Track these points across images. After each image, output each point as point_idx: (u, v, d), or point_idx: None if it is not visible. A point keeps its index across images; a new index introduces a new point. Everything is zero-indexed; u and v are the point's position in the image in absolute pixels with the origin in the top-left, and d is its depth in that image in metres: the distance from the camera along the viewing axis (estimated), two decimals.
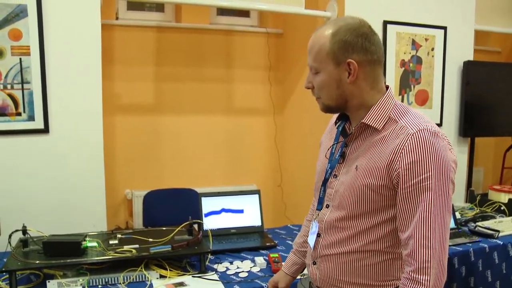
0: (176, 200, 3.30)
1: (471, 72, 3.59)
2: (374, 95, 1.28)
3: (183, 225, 2.30)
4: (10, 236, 2.13)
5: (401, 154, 1.18)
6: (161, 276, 2.07)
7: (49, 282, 1.95)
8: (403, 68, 3.44)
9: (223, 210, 2.65)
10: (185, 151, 3.76)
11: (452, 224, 2.81)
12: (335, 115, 1.46)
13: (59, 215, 2.67)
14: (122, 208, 3.67)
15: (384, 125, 1.25)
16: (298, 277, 1.74)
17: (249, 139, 3.97)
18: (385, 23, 3.31)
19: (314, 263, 1.42)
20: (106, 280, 1.99)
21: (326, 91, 1.29)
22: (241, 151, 3.97)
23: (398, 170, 1.18)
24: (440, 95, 3.59)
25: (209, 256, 2.29)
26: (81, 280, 1.97)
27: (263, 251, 2.42)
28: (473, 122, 3.64)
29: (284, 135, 4.01)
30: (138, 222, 3.63)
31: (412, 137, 1.18)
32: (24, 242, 2.10)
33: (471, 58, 3.64)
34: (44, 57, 2.59)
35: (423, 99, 3.53)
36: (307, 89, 1.36)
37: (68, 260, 1.98)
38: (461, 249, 2.54)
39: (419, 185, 1.16)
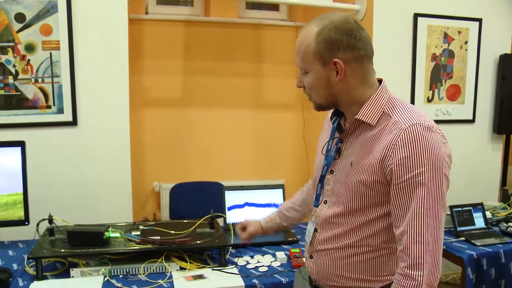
0: (202, 194, 3.32)
1: (508, 66, 3.46)
2: (365, 90, 1.27)
3: (204, 218, 2.32)
4: (37, 224, 2.20)
5: (394, 150, 1.16)
6: (181, 268, 2.09)
7: (72, 270, 2.00)
8: (434, 62, 3.35)
9: (247, 204, 2.65)
10: (213, 145, 3.78)
11: (482, 224, 2.74)
12: (330, 112, 1.46)
13: (86, 206, 2.74)
14: (150, 201, 3.72)
15: (378, 120, 1.24)
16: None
17: (277, 134, 3.96)
18: (416, 16, 3.23)
19: (311, 257, 1.43)
20: (127, 270, 2.03)
21: (316, 91, 1.29)
22: (269, 146, 3.95)
23: (391, 166, 1.17)
24: (473, 90, 3.48)
25: (230, 249, 2.30)
26: (103, 269, 2.02)
27: (284, 246, 2.41)
28: (509, 119, 3.51)
29: (312, 130, 3.97)
30: (165, 214, 3.68)
31: (405, 132, 1.16)
32: (50, 231, 2.16)
33: (508, 51, 3.51)
34: (73, 51, 2.65)
35: (454, 95, 3.43)
36: None
37: (91, 250, 2.03)
38: (490, 250, 2.47)
39: (412, 181, 1.14)
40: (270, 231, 1.79)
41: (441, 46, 3.34)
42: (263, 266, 2.15)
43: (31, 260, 2.03)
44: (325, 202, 1.38)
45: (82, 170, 2.74)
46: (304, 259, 1.58)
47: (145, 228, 2.28)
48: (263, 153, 3.94)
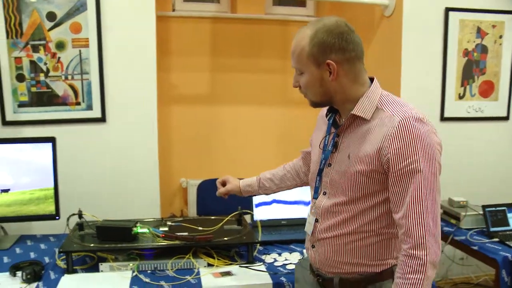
0: None
1: None
2: (358, 88, 1.36)
3: (232, 214, 2.31)
4: (68, 219, 2.23)
5: (389, 141, 1.26)
6: (209, 265, 2.08)
7: (101, 264, 2.02)
8: (466, 58, 3.26)
9: (274, 201, 2.63)
10: (239, 141, 3.77)
11: None
12: (324, 109, 1.54)
13: (114, 202, 2.77)
14: (177, 197, 3.74)
15: (372, 114, 1.33)
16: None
17: (304, 131, 3.90)
18: (447, 10, 3.15)
19: (313, 246, 1.50)
20: (155, 265, 2.04)
21: (311, 90, 1.38)
22: (296, 143, 3.89)
23: (388, 156, 1.26)
24: (507, 87, 3.37)
25: (258, 246, 2.29)
26: (131, 264, 2.03)
27: None
28: None
29: None
30: (192, 210, 3.69)
31: (398, 124, 1.25)
32: (80, 226, 2.19)
33: None
34: (102, 48, 2.68)
35: (487, 91, 3.34)
36: None
37: (119, 245, 2.04)
38: None
39: (408, 168, 1.23)
40: (246, 195, 1.94)
41: (474, 41, 3.24)
42: (290, 263, 2.12)
43: (61, 254, 2.07)
44: (324, 193, 1.45)
45: (110, 166, 2.77)
46: (305, 250, 1.61)
47: (173, 224, 2.28)
48: (290, 150, 3.89)
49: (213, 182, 3.31)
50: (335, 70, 1.31)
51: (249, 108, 3.77)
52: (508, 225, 2.65)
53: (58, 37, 2.64)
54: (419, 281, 1.22)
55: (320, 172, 1.47)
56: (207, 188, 3.32)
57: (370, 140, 1.31)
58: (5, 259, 2.16)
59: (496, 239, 2.54)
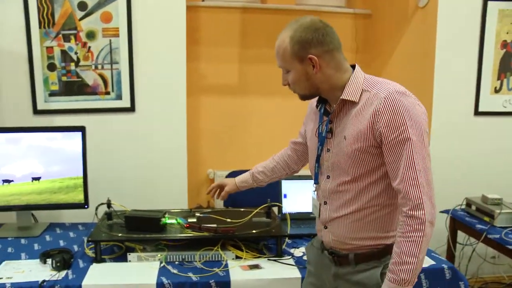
0: None
1: None
2: (341, 76, 1.47)
3: (261, 207, 2.28)
4: (96, 208, 2.23)
5: (379, 115, 1.37)
6: (237, 257, 2.06)
7: (129, 254, 2.02)
8: (504, 50, 3.14)
9: (303, 193, 2.58)
10: (268, 132, 3.73)
11: None
12: (314, 100, 1.64)
13: (142, 191, 2.77)
14: (204, 188, 3.73)
15: (360, 96, 1.44)
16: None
17: None
18: (485, 0, 3.03)
19: (326, 227, 1.59)
20: (183, 257, 2.03)
21: (298, 85, 1.49)
22: None
23: (380, 129, 1.37)
24: None
25: (286, 240, 2.25)
26: (159, 255, 2.02)
27: None
28: None
29: None
30: (219, 202, 3.67)
31: (384, 99, 1.37)
32: (108, 215, 2.19)
33: None
34: (132, 38, 2.68)
35: None
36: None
37: (148, 235, 2.04)
38: None
39: (399, 138, 1.34)
40: (243, 189, 2.06)
41: None
42: None
43: (90, 243, 2.07)
44: (328, 177, 1.54)
45: (139, 155, 2.78)
46: (317, 232, 1.68)
47: (201, 215, 2.27)
48: None
49: (241, 173, 3.31)
50: (317, 63, 1.42)
51: (277, 100, 3.72)
52: None
53: (89, 26, 2.64)
54: (420, 238, 1.33)
55: (318, 159, 1.57)
56: None
57: (362, 119, 1.41)
58: (36, 246, 2.18)
59: None
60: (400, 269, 1.35)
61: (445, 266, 2.04)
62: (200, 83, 3.53)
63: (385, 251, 1.50)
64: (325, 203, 1.57)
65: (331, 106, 1.55)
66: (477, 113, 3.20)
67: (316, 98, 1.61)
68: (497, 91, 3.19)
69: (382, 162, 1.42)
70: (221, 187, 2.09)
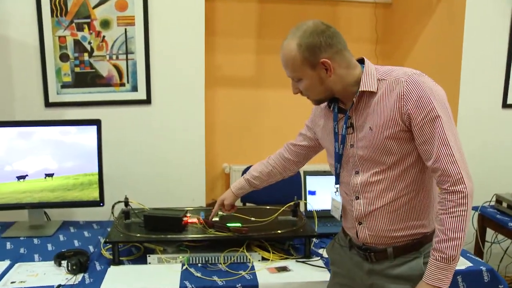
0: None
1: None
2: (353, 73, 1.45)
3: (288, 205, 2.17)
4: (113, 206, 2.12)
5: (404, 99, 1.36)
6: (263, 259, 1.95)
7: (149, 256, 1.90)
8: None
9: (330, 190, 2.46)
10: (285, 126, 3.59)
11: None
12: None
13: (159, 186, 2.67)
14: (219, 182, 3.62)
15: (377, 86, 1.42)
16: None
17: None
18: None
19: (360, 223, 1.52)
20: (206, 259, 1.91)
21: (312, 91, 1.46)
22: None
23: (408, 112, 1.35)
24: None
25: (314, 239, 2.13)
26: (181, 257, 1.91)
27: None
28: None
29: None
30: None
31: (406, 83, 1.36)
32: (126, 214, 2.07)
33: None
34: (148, 27, 2.55)
35: None
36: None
37: (169, 236, 1.92)
38: None
39: (429, 117, 1.33)
40: (241, 196, 1.98)
41: None
42: None
43: (106, 243, 1.95)
44: (357, 172, 1.50)
45: (155, 150, 2.66)
46: (346, 230, 1.63)
47: (224, 214, 2.14)
48: None
49: None
50: (330, 66, 1.39)
51: None
52: None
53: (103, 15, 2.51)
54: (464, 212, 1.31)
55: (340, 158, 1.53)
56: None
57: (385, 106, 1.40)
58: (49, 247, 2.07)
59: None
60: (447, 246, 1.32)
61: (483, 268, 1.93)
62: (215, 75, 3.41)
63: (424, 241, 1.48)
64: (357, 198, 1.51)
65: (344, 103, 1.52)
66: (505, 105, 3.07)
67: None
68: None
69: (414, 147, 1.40)
70: (222, 204, 1.98)
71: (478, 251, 2.87)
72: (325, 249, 2.04)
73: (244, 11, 3.43)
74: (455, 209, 1.32)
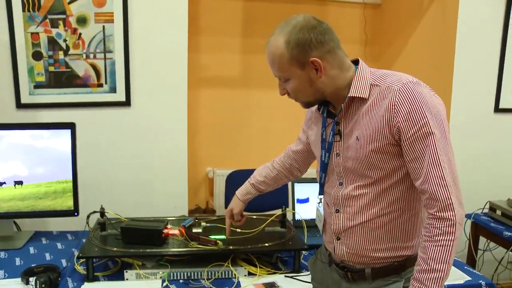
0: None
1: None
2: (346, 75, 1.32)
3: (276, 215, 2.04)
4: (88, 217, 1.97)
5: (395, 109, 1.23)
6: (250, 274, 1.82)
7: (126, 272, 1.76)
8: None
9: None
10: (272, 128, 3.49)
11: None
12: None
13: (139, 193, 2.53)
14: (202, 187, 3.49)
15: (369, 92, 1.30)
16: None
17: None
18: None
19: (338, 238, 1.42)
20: (188, 274, 1.78)
21: (301, 93, 1.34)
22: None
23: (397, 125, 1.23)
24: None
25: (303, 252, 2.01)
26: (161, 272, 1.77)
27: None
28: None
29: None
30: (218, 202, 3.44)
31: (399, 91, 1.23)
32: (102, 225, 1.92)
33: None
34: (128, 24, 2.41)
35: None
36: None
37: (148, 250, 1.78)
38: None
39: (420, 132, 1.21)
40: (248, 201, 1.85)
41: None
42: None
43: (80, 258, 1.80)
44: (341, 183, 1.39)
45: (134, 155, 2.52)
46: (325, 244, 1.52)
47: (207, 225, 2.01)
48: None
49: (244, 173, 3.05)
50: (321, 66, 1.27)
51: None
52: None
53: (80, 11, 2.35)
54: (450, 242, 1.20)
55: (325, 168, 1.42)
56: (236, 180, 3.05)
57: (375, 116, 1.28)
58: (17, 261, 1.90)
59: None
60: (428, 278, 1.20)
61: (482, 282, 1.84)
62: (199, 75, 3.27)
63: (406, 264, 1.36)
64: (337, 211, 1.40)
65: (335, 107, 1.40)
66: (497, 110, 3.00)
67: None
68: None
69: (402, 162, 1.28)
70: (231, 214, 1.82)
71: (471, 259, 2.79)
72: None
73: (230, 9, 3.30)
74: (441, 237, 1.20)
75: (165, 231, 1.88)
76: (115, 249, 1.79)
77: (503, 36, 2.88)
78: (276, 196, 2.85)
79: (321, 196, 1.48)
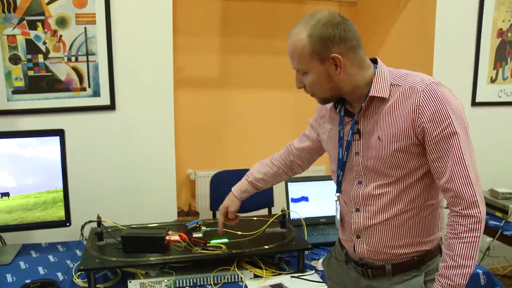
0: None
1: None
2: (365, 74, 1.32)
3: (276, 216, 2.03)
4: (82, 227, 1.89)
5: (420, 110, 1.24)
6: (255, 276, 1.79)
7: (130, 282, 1.70)
8: (500, 39, 3.03)
9: (303, 198, 2.34)
10: (253, 128, 3.47)
11: None
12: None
13: (127, 199, 2.46)
14: (184, 189, 3.43)
15: (389, 92, 1.31)
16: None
17: None
18: None
19: (358, 236, 1.42)
20: (194, 280, 1.74)
21: (319, 88, 1.33)
22: None
23: (422, 125, 1.24)
24: None
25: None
26: (166, 280, 1.72)
27: None
28: None
29: None
30: (201, 204, 3.39)
31: (423, 92, 1.25)
32: (99, 235, 1.85)
33: None
34: (111, 26, 2.33)
35: None
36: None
37: (152, 258, 1.72)
38: None
39: (445, 132, 1.22)
40: (245, 199, 1.83)
41: (509, 20, 3.01)
42: None
43: (82, 271, 1.71)
44: (360, 182, 1.39)
45: (122, 160, 2.44)
46: (343, 243, 1.51)
47: (208, 229, 1.97)
48: None
49: (227, 174, 3.04)
50: (341, 63, 1.26)
51: (262, 93, 3.47)
52: None
53: (60, 12, 2.25)
54: (476, 239, 1.22)
55: (343, 166, 1.41)
56: (221, 180, 3.01)
57: (398, 116, 1.29)
58: (9, 278, 1.79)
59: None
60: (455, 274, 1.22)
61: (480, 271, 1.90)
62: (178, 76, 3.19)
63: (425, 259, 1.38)
64: (358, 210, 1.40)
65: (352, 106, 1.40)
66: (474, 103, 3.08)
67: None
68: (492, 81, 3.09)
69: (424, 161, 1.30)
70: (226, 212, 1.80)
71: None
72: (318, 261, 1.93)
73: (208, 8, 3.25)
74: (467, 235, 1.22)
75: (167, 237, 1.82)
76: (114, 259, 1.72)
77: (477, 32, 2.96)
78: (260, 196, 2.85)
79: (338, 194, 1.48)
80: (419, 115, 1.24)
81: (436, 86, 1.25)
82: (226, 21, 3.30)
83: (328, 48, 1.25)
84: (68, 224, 2.01)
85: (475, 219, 1.21)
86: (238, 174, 3.02)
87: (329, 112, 1.49)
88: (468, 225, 1.22)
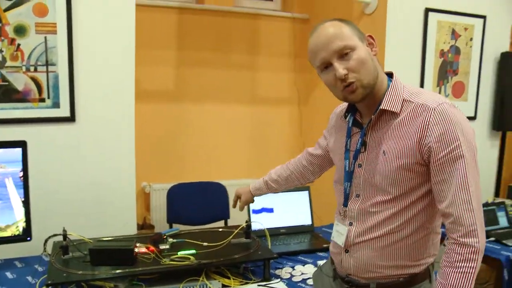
0: (204, 195, 3.05)
1: (508, 64, 3.42)
2: (383, 78, 1.33)
3: (241, 227, 2.08)
4: (46, 241, 1.85)
5: (429, 129, 1.22)
6: (224, 286, 1.83)
7: None
8: (442, 59, 3.26)
9: (264, 209, 2.41)
10: (207, 141, 3.51)
11: (505, 223, 2.70)
12: (338, 110, 1.54)
13: (87, 212, 2.40)
14: (138, 202, 3.37)
15: (401, 107, 1.29)
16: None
17: (274, 130, 3.75)
18: (427, 10, 3.11)
19: (347, 251, 1.40)
20: None
21: (366, 66, 1.27)
22: (266, 142, 3.74)
23: (429, 145, 1.21)
24: (475, 87, 3.42)
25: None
26: None
27: (320, 254, 2.21)
28: (508, 116, 3.48)
29: (309, 126, 3.79)
30: (156, 217, 3.38)
31: (435, 111, 1.22)
32: (64, 249, 1.81)
33: (507, 49, 3.48)
34: (72, 36, 2.29)
35: (459, 91, 3.36)
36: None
37: (121, 271, 1.71)
38: None
39: (451, 155, 1.19)
40: (257, 196, 1.94)
41: (449, 43, 3.24)
42: (310, 278, 1.92)
43: (49, 286, 1.66)
44: (358, 196, 1.37)
45: (81, 172, 2.38)
46: (332, 256, 1.51)
47: (174, 240, 1.98)
48: (259, 150, 3.72)
49: (184, 186, 3.06)
50: (375, 41, 1.31)
51: (216, 106, 3.51)
52: (498, 223, 2.68)
53: (18, 19, 2.20)
54: (472, 269, 1.17)
55: (350, 176, 1.39)
56: (178, 193, 3.02)
57: (406, 132, 1.26)
58: None
59: (493, 239, 2.54)
60: None
61: None
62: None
63: (412, 281, 1.34)
64: (351, 224, 1.39)
65: (362, 117, 1.39)
66: None
67: (342, 108, 1.49)
68: None
69: (425, 180, 1.27)
70: (238, 197, 1.97)
71: None
72: (282, 270, 1.99)
73: (164, 22, 3.27)
74: (463, 264, 1.18)
75: (136, 249, 1.82)
76: (80, 272, 1.70)
77: (422, 52, 3.16)
78: (216, 209, 2.92)
79: (346, 209, 1.41)
80: (428, 134, 1.22)
81: (448, 106, 1.22)
82: (183, 34, 3.33)
83: (361, 32, 1.30)
84: (29, 238, 1.95)
85: (473, 249, 1.17)
86: (194, 187, 3.10)
87: (339, 121, 1.49)
88: (464, 254, 1.18)
